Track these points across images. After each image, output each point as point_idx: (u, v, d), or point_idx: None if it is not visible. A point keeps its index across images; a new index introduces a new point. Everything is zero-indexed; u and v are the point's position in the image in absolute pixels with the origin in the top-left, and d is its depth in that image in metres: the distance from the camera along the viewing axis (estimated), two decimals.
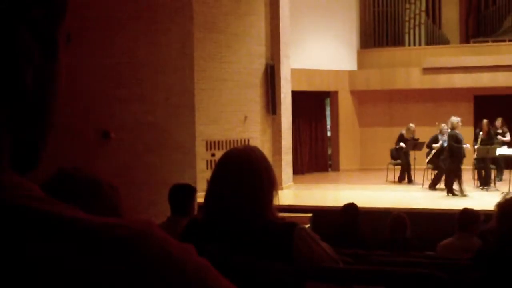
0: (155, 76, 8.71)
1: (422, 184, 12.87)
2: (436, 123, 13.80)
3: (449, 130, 11.56)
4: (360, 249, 5.13)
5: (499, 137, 13.25)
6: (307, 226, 8.54)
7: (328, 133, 17.48)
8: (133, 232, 0.53)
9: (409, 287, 2.95)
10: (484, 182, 12.17)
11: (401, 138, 13.92)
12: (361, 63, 17.38)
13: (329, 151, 17.37)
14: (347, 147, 17.19)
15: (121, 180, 2.08)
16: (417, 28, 17.28)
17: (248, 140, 12.12)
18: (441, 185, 12.30)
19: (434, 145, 12.73)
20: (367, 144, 17.30)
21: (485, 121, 12.75)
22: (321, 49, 16.42)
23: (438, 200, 10.94)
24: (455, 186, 11.34)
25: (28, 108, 0.59)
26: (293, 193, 12.66)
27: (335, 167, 17.20)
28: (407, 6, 17.39)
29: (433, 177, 12.71)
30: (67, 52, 0.64)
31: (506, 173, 12.77)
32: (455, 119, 11.56)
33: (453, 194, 11.24)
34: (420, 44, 17.24)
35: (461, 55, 16.48)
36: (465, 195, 11.10)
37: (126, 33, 8.43)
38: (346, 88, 17.01)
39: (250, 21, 12.42)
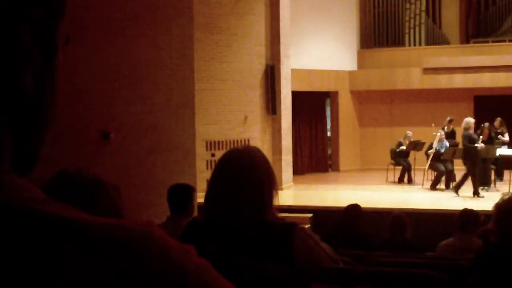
0: (155, 76, 8.71)
1: (422, 185, 12.88)
2: (432, 125, 13.84)
3: (463, 130, 11.53)
4: (360, 249, 5.14)
5: (500, 136, 13.30)
6: (307, 226, 8.54)
7: (328, 133, 17.47)
8: (133, 233, 0.53)
9: (409, 287, 2.95)
10: (484, 182, 12.17)
11: (400, 145, 14.04)
12: (361, 63, 17.38)
13: (329, 152, 17.36)
14: (347, 147, 17.18)
15: (121, 180, 2.08)
16: (417, 28, 17.28)
17: (248, 140, 12.12)
18: (441, 185, 12.32)
19: (429, 151, 12.78)
20: (367, 144, 17.30)
21: (486, 124, 12.78)
22: (321, 49, 16.42)
23: (438, 201, 10.94)
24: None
25: (28, 109, 0.59)
26: (293, 193, 12.66)
27: (335, 168, 17.19)
28: (407, 6, 17.39)
29: (433, 177, 12.74)
30: (67, 53, 0.63)
31: (506, 173, 12.78)
32: (471, 120, 11.61)
33: (478, 196, 11.08)
34: (420, 44, 17.24)
35: (461, 55, 16.47)
36: (481, 196, 11.01)
37: (126, 33, 8.43)
38: (346, 88, 17.01)
39: (250, 21, 12.42)
